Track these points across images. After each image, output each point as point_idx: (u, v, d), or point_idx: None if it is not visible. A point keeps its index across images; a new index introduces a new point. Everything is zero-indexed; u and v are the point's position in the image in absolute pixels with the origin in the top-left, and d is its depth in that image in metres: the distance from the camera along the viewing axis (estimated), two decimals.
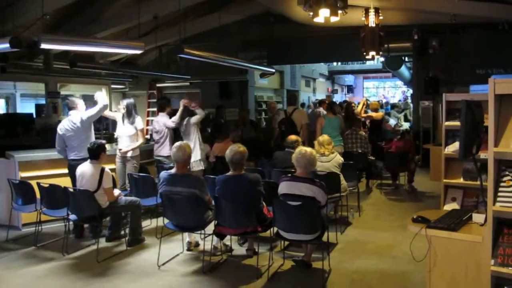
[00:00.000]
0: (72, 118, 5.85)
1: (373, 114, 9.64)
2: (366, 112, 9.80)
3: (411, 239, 3.01)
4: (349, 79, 25.83)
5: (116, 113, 6.65)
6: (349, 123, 8.26)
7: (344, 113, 9.11)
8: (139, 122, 6.48)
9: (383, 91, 27.13)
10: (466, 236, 2.83)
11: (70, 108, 5.93)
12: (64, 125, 5.86)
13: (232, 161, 4.53)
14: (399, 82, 24.04)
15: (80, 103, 5.94)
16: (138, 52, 7.14)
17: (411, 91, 17.65)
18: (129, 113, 6.38)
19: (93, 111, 5.85)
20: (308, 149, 4.50)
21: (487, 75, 9.93)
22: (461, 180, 4.15)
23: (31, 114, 11.30)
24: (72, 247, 5.37)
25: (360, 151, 7.75)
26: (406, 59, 12.79)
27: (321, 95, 20.41)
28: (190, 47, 7.63)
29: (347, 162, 6.14)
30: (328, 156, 5.79)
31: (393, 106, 14.20)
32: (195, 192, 4.52)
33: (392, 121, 10.72)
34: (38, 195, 5.50)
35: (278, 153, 6.23)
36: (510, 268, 2.46)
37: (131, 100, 6.52)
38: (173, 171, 4.71)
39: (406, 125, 12.15)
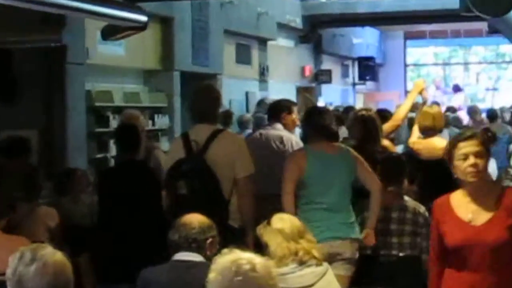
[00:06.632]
0: None
1: (424, 142, 4.61)
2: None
3: None
4: (364, 37, 13.45)
5: None
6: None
7: (359, 134, 4.20)
8: None
9: (464, 71, 14.92)
10: None
11: None
12: None
13: None
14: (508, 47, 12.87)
15: None
16: None
17: None
18: None
19: None
20: (257, 262, 2.00)
21: None
22: None
23: None
24: None
25: (402, 254, 3.90)
26: None
27: (287, 90, 10.12)
28: None
29: None
30: (316, 268, 2.98)
31: (493, 114, 8.65)
32: None
33: (492, 164, 5.26)
34: None
35: (149, 272, 2.91)
36: None
37: None
38: None
39: None
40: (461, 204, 2.50)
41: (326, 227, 3.40)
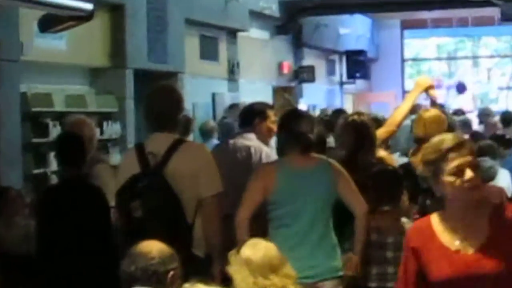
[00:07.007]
0: None
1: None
2: None
3: None
4: (353, 27, 13.06)
5: None
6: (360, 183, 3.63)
7: (350, 143, 3.96)
8: None
9: (472, 67, 14.01)
10: None
11: None
12: None
13: None
14: None
15: None
16: None
17: None
18: None
19: None
20: None
21: None
22: None
23: None
24: None
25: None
26: None
27: (262, 91, 9.71)
28: None
29: None
30: None
31: (508, 118, 8.08)
32: None
33: (506, 177, 4.96)
34: None
35: None
36: None
37: None
38: None
39: None
40: (445, 228, 2.11)
41: (298, 264, 2.99)
